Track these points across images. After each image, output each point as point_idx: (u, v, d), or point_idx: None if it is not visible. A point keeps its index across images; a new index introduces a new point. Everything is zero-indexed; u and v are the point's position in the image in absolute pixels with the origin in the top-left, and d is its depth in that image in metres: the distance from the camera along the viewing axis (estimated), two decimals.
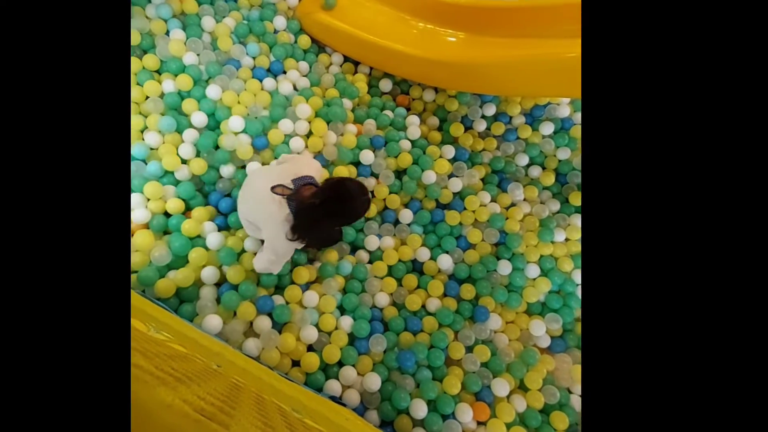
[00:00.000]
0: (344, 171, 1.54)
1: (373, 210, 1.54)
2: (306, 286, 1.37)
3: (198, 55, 1.54)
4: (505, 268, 1.45)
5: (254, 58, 1.67)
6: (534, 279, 1.47)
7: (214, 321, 1.19)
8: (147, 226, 1.32)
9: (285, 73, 1.71)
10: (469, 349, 1.34)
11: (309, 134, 1.56)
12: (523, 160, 1.67)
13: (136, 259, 1.23)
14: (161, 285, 1.21)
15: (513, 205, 1.60)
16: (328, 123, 1.59)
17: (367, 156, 1.56)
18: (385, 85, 1.82)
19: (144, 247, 1.25)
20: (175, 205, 1.34)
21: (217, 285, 1.31)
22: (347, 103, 1.69)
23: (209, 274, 1.27)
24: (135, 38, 1.49)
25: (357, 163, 1.60)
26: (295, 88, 1.67)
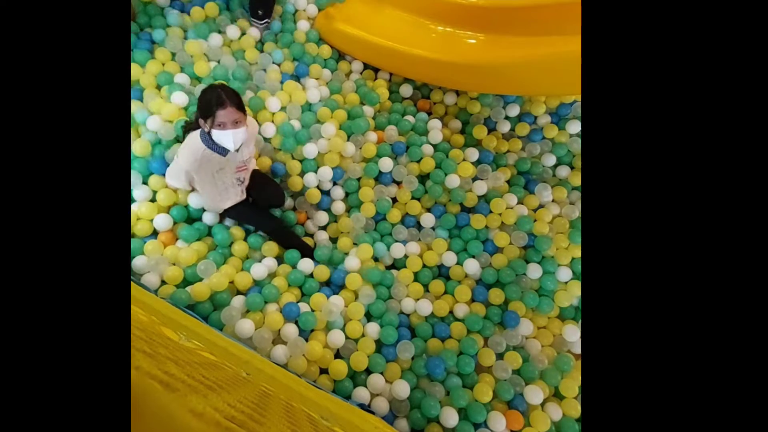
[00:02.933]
0: (369, 183, 1.57)
1: (397, 215, 1.53)
2: (331, 291, 1.38)
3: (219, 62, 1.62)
4: (534, 271, 1.41)
5: (279, 64, 1.72)
6: (566, 282, 1.41)
7: (245, 325, 1.21)
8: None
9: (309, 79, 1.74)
10: (500, 356, 1.30)
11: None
12: (550, 160, 1.63)
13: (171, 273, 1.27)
14: (196, 289, 1.24)
15: (541, 206, 1.56)
16: (350, 136, 1.60)
17: (385, 164, 1.56)
18: (406, 90, 1.81)
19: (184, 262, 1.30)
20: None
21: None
22: (368, 111, 1.69)
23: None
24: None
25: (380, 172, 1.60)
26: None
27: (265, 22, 1.73)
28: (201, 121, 1.21)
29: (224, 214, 1.43)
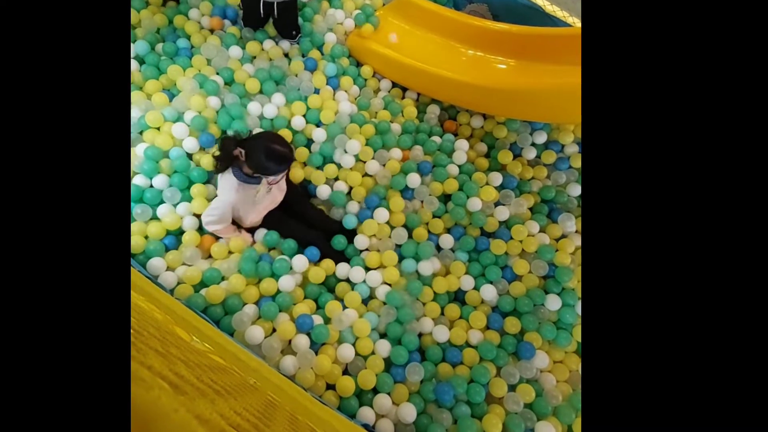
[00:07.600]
0: (396, 194, 1.57)
1: (423, 234, 1.51)
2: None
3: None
4: (553, 303, 1.36)
5: (312, 72, 1.76)
6: None
7: (255, 332, 1.20)
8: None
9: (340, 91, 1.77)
10: (512, 388, 1.25)
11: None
12: (576, 190, 1.60)
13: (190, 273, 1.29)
14: (211, 292, 1.25)
15: (564, 236, 1.52)
16: (375, 151, 1.62)
17: (413, 179, 1.56)
18: (433, 110, 1.82)
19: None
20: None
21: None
22: (396, 128, 1.71)
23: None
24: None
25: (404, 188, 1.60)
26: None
27: (298, 37, 1.79)
28: (250, 171, 1.25)
29: (263, 225, 1.46)
